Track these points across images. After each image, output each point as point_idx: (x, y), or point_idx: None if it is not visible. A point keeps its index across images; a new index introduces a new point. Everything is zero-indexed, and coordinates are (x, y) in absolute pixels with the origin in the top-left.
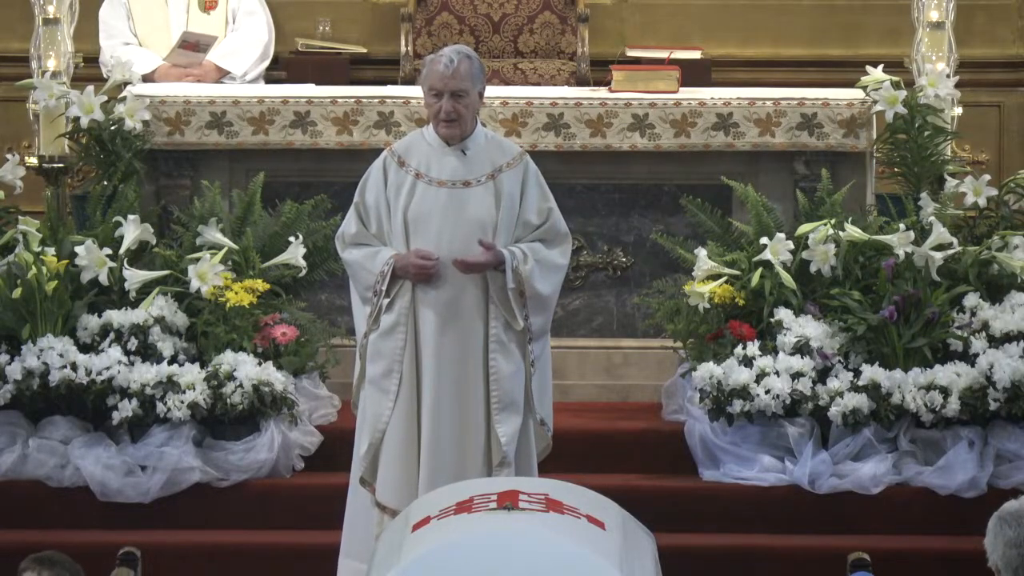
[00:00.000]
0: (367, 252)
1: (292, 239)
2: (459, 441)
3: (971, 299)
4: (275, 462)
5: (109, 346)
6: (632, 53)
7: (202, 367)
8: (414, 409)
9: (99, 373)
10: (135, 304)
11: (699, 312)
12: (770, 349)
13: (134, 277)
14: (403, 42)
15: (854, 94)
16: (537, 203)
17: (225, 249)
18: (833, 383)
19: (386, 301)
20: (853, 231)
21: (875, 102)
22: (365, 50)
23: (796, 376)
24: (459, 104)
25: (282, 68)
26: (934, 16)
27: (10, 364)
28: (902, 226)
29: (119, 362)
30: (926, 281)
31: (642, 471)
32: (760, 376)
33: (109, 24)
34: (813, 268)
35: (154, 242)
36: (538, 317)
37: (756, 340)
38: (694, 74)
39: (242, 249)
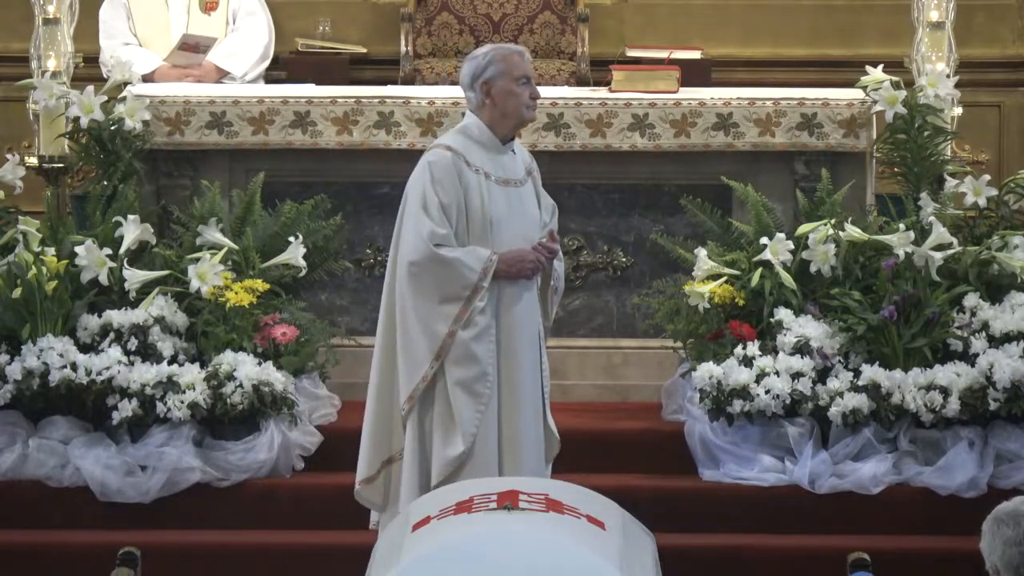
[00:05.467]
0: (465, 250)
1: (292, 239)
2: (534, 438)
3: (971, 299)
4: (275, 462)
5: (109, 346)
6: (632, 53)
7: (202, 367)
8: (497, 411)
9: (99, 373)
10: (135, 304)
11: (699, 312)
12: (770, 349)
13: (134, 277)
14: (403, 42)
15: (854, 94)
16: (545, 201)
17: (225, 249)
18: (833, 383)
19: (481, 304)
20: (853, 231)
21: (875, 102)
22: (365, 50)
23: (796, 376)
24: None
25: (282, 68)
26: (934, 16)
27: (10, 364)
28: (902, 226)
29: (119, 362)
30: (926, 281)
31: (642, 471)
32: (760, 376)
33: (109, 24)
34: (813, 268)
35: (154, 242)
36: (555, 311)
37: (756, 340)
38: (694, 74)
39: (242, 249)
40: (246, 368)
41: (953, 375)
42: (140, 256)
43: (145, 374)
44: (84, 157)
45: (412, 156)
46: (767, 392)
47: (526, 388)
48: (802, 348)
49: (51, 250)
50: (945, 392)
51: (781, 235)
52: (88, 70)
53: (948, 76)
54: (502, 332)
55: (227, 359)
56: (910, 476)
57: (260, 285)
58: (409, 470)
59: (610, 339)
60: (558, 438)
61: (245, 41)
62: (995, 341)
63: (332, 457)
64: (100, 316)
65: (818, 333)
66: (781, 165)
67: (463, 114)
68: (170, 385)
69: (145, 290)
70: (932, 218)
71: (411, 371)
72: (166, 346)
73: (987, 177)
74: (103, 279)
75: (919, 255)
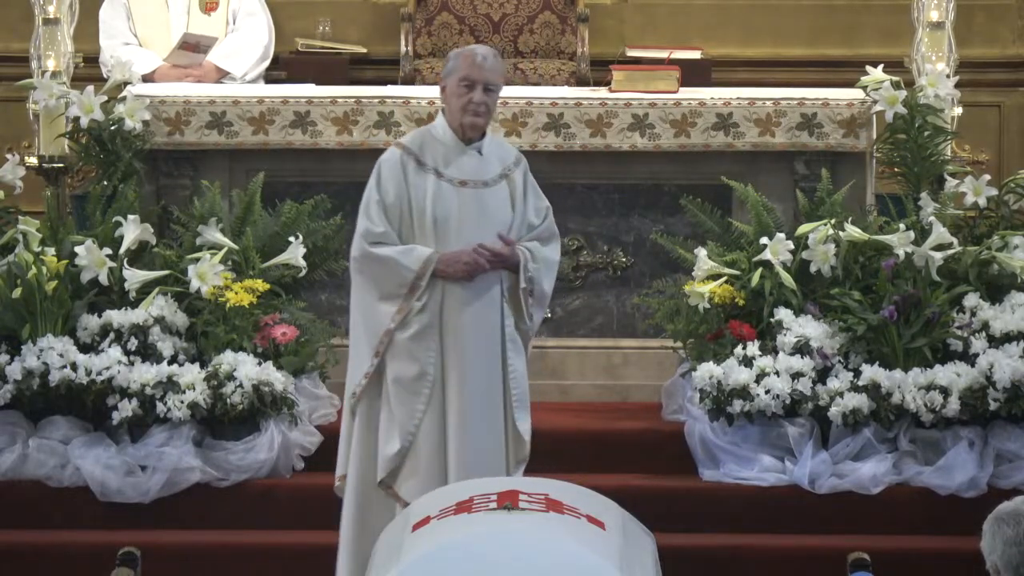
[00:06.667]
0: (402, 248)
1: (292, 239)
2: (487, 440)
3: (971, 299)
4: (275, 462)
5: (109, 346)
6: (632, 53)
7: (202, 367)
8: (442, 410)
9: (99, 373)
10: (135, 304)
11: (699, 312)
12: (770, 349)
13: (134, 277)
14: (403, 42)
15: (854, 94)
16: (535, 202)
17: (225, 249)
18: (833, 383)
19: (418, 304)
20: (853, 231)
21: (875, 102)
22: (365, 50)
23: (796, 376)
24: (488, 98)
25: (282, 68)
26: (934, 16)
27: (10, 364)
28: (902, 226)
29: (119, 362)
30: (926, 281)
31: (642, 471)
32: (760, 376)
33: (109, 24)
34: (813, 268)
35: (154, 242)
36: (539, 315)
37: (756, 340)
38: (694, 74)
39: (242, 249)
40: (246, 368)
41: (953, 375)
42: (140, 256)
43: (145, 374)
44: (84, 157)
45: None
46: (767, 392)
47: (476, 389)
48: (802, 348)
49: (51, 250)
50: (945, 392)
51: (781, 235)
52: (88, 70)
53: (948, 76)
54: (448, 332)
55: (227, 359)
56: (910, 476)
57: (260, 285)
58: (354, 464)
59: (610, 339)
60: (526, 441)
61: (245, 41)
62: (995, 341)
63: (332, 457)
64: (100, 316)
65: (818, 333)
66: (781, 165)
67: None
68: (170, 385)
69: (145, 290)
70: (932, 218)
71: (355, 367)
72: (166, 346)
73: (987, 177)
74: (103, 279)
75: (919, 255)
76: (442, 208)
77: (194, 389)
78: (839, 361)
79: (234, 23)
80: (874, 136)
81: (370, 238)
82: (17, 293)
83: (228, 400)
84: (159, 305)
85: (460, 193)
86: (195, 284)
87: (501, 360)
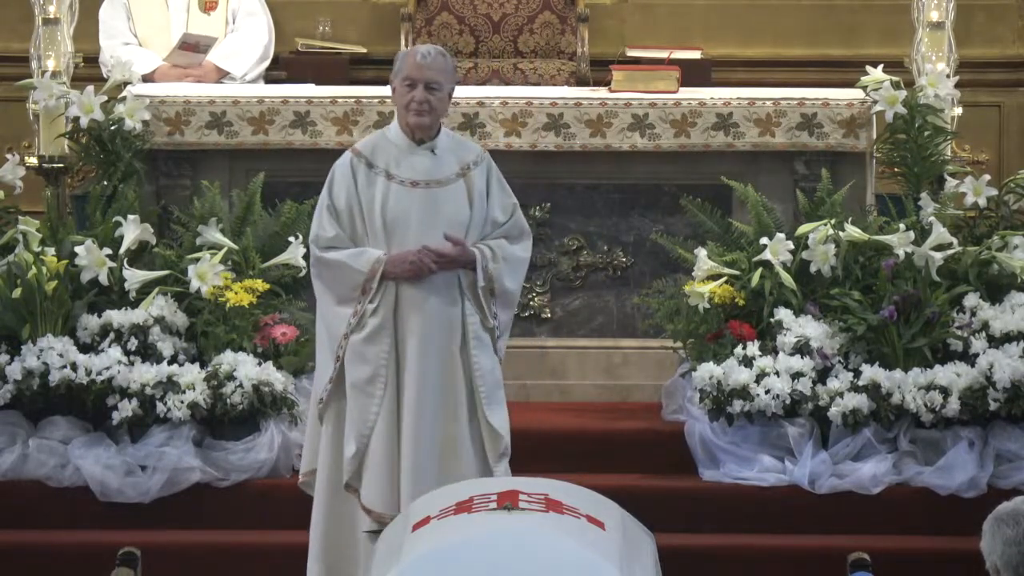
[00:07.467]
0: (352, 252)
1: (292, 239)
2: (443, 440)
3: (971, 299)
4: (275, 462)
5: (109, 346)
6: (632, 53)
7: (202, 367)
8: (395, 411)
9: (99, 373)
10: (135, 304)
11: (699, 312)
12: (770, 349)
13: (134, 277)
14: (403, 42)
15: (854, 94)
16: (501, 200)
17: (225, 249)
18: (833, 383)
19: (371, 306)
20: (853, 231)
21: (875, 102)
22: (365, 50)
23: (796, 376)
24: (432, 96)
25: (282, 68)
26: (934, 16)
27: (10, 364)
28: (902, 226)
29: (119, 362)
30: (926, 281)
31: (642, 471)
32: (760, 376)
33: (109, 24)
34: (813, 268)
35: (154, 242)
36: (505, 313)
37: (756, 340)
38: (694, 74)
39: (242, 249)
40: (246, 368)
41: (953, 375)
42: (140, 256)
43: (145, 374)
44: (84, 157)
45: None
46: (767, 392)
47: (433, 388)
48: (802, 348)
49: (51, 250)
50: (945, 392)
51: (781, 235)
52: (88, 70)
53: (948, 76)
54: (404, 333)
55: (227, 359)
56: (910, 476)
57: (260, 285)
58: (323, 467)
59: (610, 339)
60: (502, 435)
61: (245, 41)
62: (995, 341)
63: None
64: (100, 316)
65: (818, 333)
66: (781, 165)
67: (463, 114)
68: (170, 385)
69: (145, 290)
70: (932, 218)
71: (320, 373)
72: (166, 346)
73: (987, 177)
74: (103, 279)
75: (919, 255)
76: (393, 210)
77: (194, 389)
78: (839, 361)
79: (234, 23)
80: (874, 136)
81: (321, 243)
82: (17, 293)
83: (228, 400)
84: (159, 305)
85: (412, 194)
86: (195, 284)
87: (465, 358)
